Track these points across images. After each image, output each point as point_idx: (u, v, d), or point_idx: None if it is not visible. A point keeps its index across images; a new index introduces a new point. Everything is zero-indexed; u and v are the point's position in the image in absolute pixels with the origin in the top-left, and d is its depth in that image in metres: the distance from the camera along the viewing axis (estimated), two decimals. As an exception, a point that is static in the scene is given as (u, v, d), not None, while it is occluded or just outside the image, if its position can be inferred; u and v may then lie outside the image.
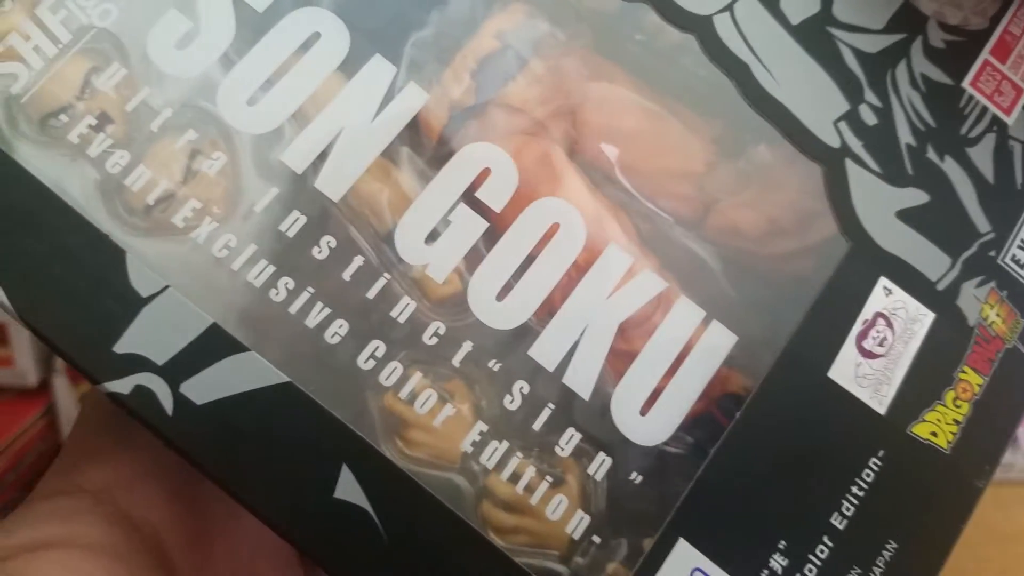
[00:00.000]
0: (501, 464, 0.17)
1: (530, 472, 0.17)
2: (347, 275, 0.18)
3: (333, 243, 0.18)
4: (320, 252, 0.18)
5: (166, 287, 0.17)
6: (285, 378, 0.17)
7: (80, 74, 0.18)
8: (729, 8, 0.21)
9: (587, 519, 0.17)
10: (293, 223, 0.18)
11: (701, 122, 0.21)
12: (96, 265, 0.17)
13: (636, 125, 0.21)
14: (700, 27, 0.21)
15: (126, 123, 0.18)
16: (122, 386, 0.16)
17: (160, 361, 0.16)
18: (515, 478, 0.17)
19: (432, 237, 0.18)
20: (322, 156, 0.18)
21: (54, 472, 0.20)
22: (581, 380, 0.18)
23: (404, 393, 0.17)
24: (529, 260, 0.18)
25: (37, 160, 0.17)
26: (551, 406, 0.17)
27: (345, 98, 0.19)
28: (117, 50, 0.18)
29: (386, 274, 0.18)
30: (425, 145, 0.19)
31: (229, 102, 0.18)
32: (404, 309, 0.18)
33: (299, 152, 0.18)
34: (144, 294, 0.17)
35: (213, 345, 0.17)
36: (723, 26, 0.21)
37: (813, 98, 0.21)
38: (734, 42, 0.21)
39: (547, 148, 0.20)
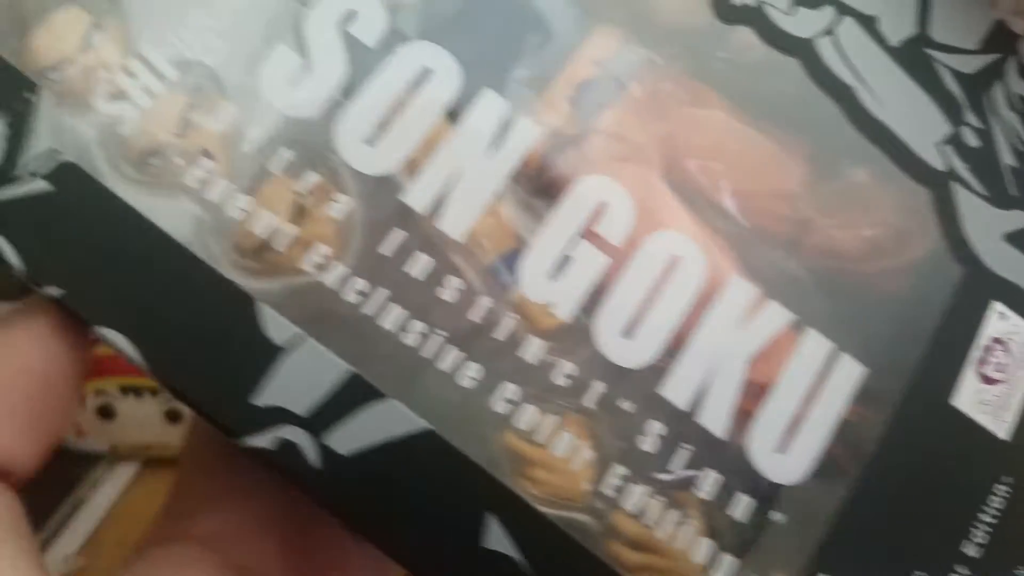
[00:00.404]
0: (634, 505, 0.17)
1: (666, 513, 0.17)
2: (475, 317, 0.17)
3: (460, 285, 0.18)
4: (448, 294, 0.17)
5: (302, 335, 0.17)
6: (426, 425, 0.17)
7: (184, 112, 0.18)
8: (831, 31, 0.21)
9: (728, 558, 0.17)
10: (420, 266, 0.18)
11: (796, 142, 0.21)
12: (224, 312, 0.17)
13: (734, 148, 0.20)
14: (803, 50, 0.21)
15: (234, 162, 0.17)
16: (265, 440, 0.16)
17: (302, 412, 0.16)
18: (649, 519, 0.17)
19: (554, 275, 0.18)
20: (442, 195, 0.18)
21: (165, 516, 0.20)
22: (715, 418, 0.18)
23: (537, 436, 0.17)
24: (653, 295, 0.18)
25: (148, 202, 0.17)
26: (687, 446, 0.17)
27: (460, 135, 0.18)
28: (224, 88, 0.18)
29: (512, 314, 0.18)
30: (532, 177, 0.19)
31: (348, 141, 0.18)
32: (532, 350, 0.18)
33: (420, 192, 0.18)
34: (278, 342, 0.17)
35: (353, 394, 0.16)
36: (826, 49, 0.21)
37: (916, 120, 0.21)
38: (837, 65, 0.21)
39: (651, 176, 0.20)
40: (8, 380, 0.16)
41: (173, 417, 0.42)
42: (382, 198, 0.18)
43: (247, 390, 0.16)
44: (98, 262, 0.16)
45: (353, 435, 0.16)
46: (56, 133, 0.17)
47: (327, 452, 0.16)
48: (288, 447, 0.16)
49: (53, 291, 0.16)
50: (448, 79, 0.19)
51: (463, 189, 0.18)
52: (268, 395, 0.16)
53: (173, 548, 0.19)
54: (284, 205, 0.17)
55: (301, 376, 0.16)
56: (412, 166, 0.18)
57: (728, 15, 0.21)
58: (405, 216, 0.18)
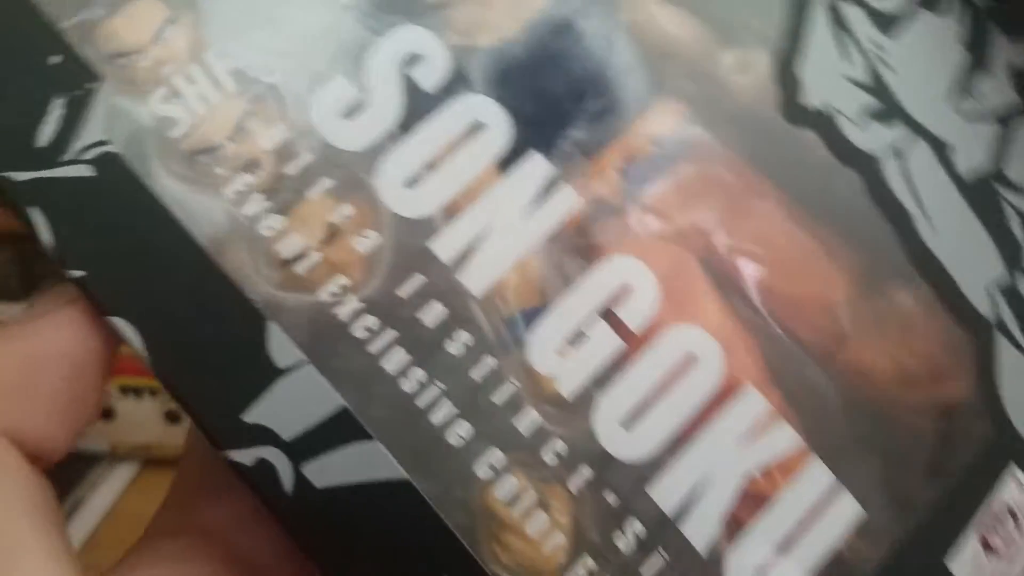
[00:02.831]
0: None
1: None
2: (477, 376, 0.17)
3: (470, 341, 0.17)
4: (455, 348, 0.17)
5: (304, 361, 0.17)
6: (404, 476, 0.16)
7: (242, 118, 0.18)
8: (900, 152, 0.20)
9: None
10: (434, 314, 0.17)
11: (845, 253, 0.20)
12: (234, 325, 0.17)
13: (781, 244, 0.20)
14: (866, 165, 0.20)
15: (279, 182, 0.18)
16: (245, 456, 0.16)
17: (287, 437, 0.16)
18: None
19: (565, 350, 0.18)
20: (470, 249, 0.18)
21: (168, 507, 0.20)
22: (698, 531, 0.17)
23: (514, 509, 0.17)
24: (661, 390, 0.18)
25: (187, 197, 0.17)
26: (663, 554, 0.17)
27: (499, 193, 0.18)
28: (279, 107, 0.18)
29: (515, 380, 0.17)
30: (569, 239, 0.18)
31: (388, 181, 0.18)
32: (528, 421, 0.17)
33: (448, 241, 0.18)
34: (281, 365, 0.17)
35: (340, 429, 0.16)
36: (891, 169, 0.20)
37: (971, 259, 0.20)
38: (900, 186, 0.20)
39: (688, 260, 0.19)
40: (44, 363, 0.17)
41: (173, 417, 0.42)
42: (410, 241, 0.18)
43: (240, 406, 0.16)
44: (122, 253, 0.17)
45: (331, 469, 0.16)
46: (110, 120, 0.17)
47: (301, 481, 0.16)
48: (266, 468, 0.16)
49: (76, 272, 0.17)
50: (499, 135, 0.19)
51: (493, 245, 0.18)
52: (258, 414, 0.16)
53: (175, 540, 0.19)
54: (314, 231, 0.18)
55: (294, 402, 0.17)
56: (447, 215, 0.18)
57: (797, 116, 0.20)
58: (429, 262, 0.18)
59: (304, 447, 0.16)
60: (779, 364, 0.19)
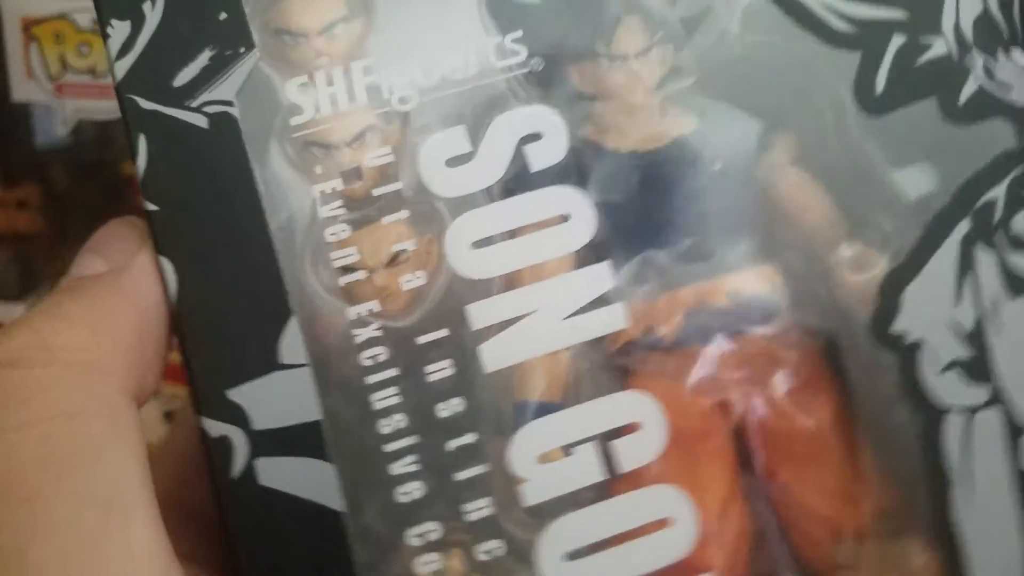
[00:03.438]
0: None
1: None
2: (452, 446, 0.17)
3: (460, 408, 0.18)
4: (444, 412, 0.18)
5: (306, 364, 0.17)
6: (341, 508, 0.17)
7: (365, 130, 0.19)
8: (970, 416, 0.19)
9: None
10: (439, 370, 0.18)
11: (879, 488, 0.19)
12: (261, 308, 0.18)
13: (818, 450, 0.19)
14: (931, 416, 0.19)
15: (365, 198, 0.18)
16: (213, 428, 0.17)
17: (256, 426, 0.17)
18: None
19: (547, 458, 0.18)
20: (502, 325, 0.18)
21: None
22: None
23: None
24: (621, 539, 0.17)
25: (284, 174, 0.18)
26: None
27: (555, 286, 0.18)
28: (397, 132, 0.19)
29: (484, 464, 0.18)
30: (606, 353, 0.18)
31: (459, 235, 0.18)
32: (480, 509, 0.17)
33: (486, 311, 0.18)
34: (284, 360, 0.17)
35: (306, 441, 0.17)
36: (952, 428, 0.19)
37: (995, 549, 0.18)
38: (952, 446, 0.19)
39: (717, 425, 0.19)
40: (149, 316, 0.18)
41: (172, 418, 0.43)
42: (452, 296, 0.18)
43: (231, 381, 0.17)
44: (197, 203, 0.18)
45: (279, 473, 0.17)
46: (246, 86, 0.19)
47: (249, 471, 0.17)
48: (225, 445, 0.17)
49: (151, 205, 0.18)
50: (582, 232, 0.19)
51: (525, 330, 0.18)
52: (242, 395, 0.17)
53: None
54: (373, 253, 0.18)
55: (278, 398, 0.17)
56: (498, 286, 0.18)
57: (883, 337, 0.19)
58: (459, 323, 0.18)
59: (266, 442, 0.17)
60: (760, 563, 0.18)
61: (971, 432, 0.19)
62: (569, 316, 0.18)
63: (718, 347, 0.19)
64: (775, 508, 0.19)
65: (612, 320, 0.18)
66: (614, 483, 0.18)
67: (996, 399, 0.19)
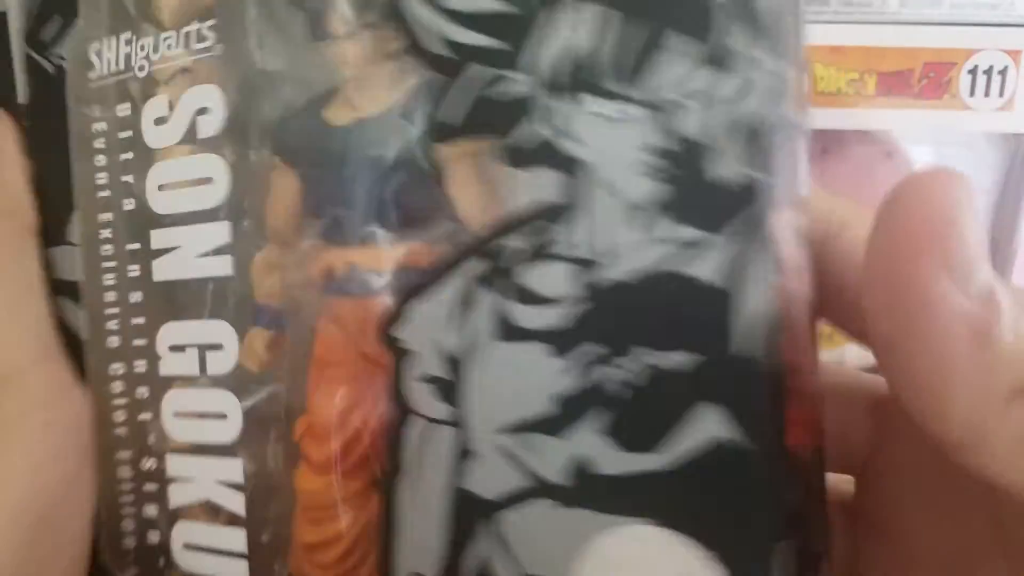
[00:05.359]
0: None
1: None
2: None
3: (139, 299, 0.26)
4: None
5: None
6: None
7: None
8: (431, 422, 0.22)
9: None
10: (132, 271, 0.26)
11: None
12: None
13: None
14: (406, 412, 0.22)
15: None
16: None
17: None
18: None
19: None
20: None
21: None
22: None
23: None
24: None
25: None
26: None
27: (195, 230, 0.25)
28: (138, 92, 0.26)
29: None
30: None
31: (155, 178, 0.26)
32: None
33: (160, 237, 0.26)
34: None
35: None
36: (414, 430, 0.22)
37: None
38: (415, 445, 0.22)
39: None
40: None
41: None
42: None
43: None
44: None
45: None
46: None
47: None
48: None
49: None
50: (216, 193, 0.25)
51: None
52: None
53: None
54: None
55: None
56: (167, 221, 0.25)
57: (384, 338, 0.22)
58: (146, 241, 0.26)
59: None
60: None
61: (428, 437, 0.22)
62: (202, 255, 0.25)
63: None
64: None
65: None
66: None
67: (455, 423, 0.21)
